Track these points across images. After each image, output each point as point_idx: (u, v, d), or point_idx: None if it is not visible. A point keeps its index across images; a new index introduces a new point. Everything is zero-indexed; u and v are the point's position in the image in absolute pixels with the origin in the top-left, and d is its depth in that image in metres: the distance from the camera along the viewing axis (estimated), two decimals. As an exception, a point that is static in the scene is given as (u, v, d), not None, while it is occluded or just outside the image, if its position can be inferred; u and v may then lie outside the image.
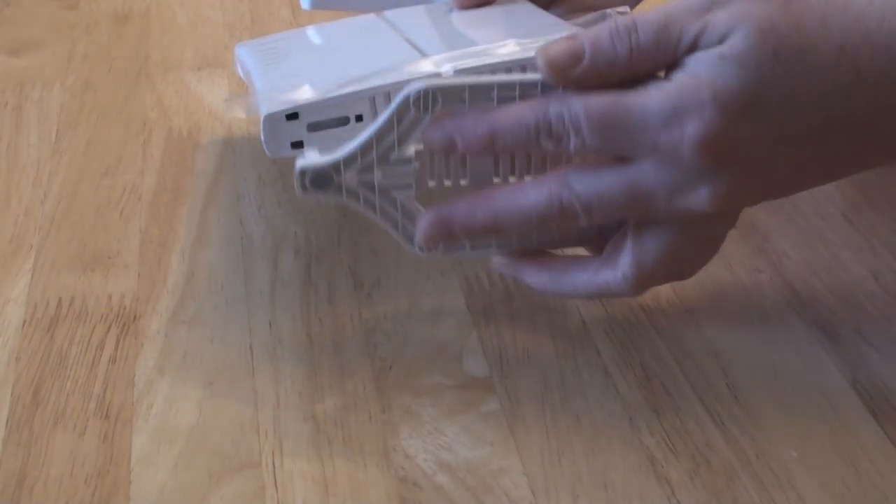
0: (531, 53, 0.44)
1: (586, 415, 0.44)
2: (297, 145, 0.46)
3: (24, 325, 0.49)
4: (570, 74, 0.41)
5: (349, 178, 0.43)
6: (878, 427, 0.43)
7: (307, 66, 0.51)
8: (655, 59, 0.40)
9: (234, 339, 0.48)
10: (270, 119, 0.45)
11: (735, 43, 0.39)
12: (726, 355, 0.47)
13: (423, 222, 0.44)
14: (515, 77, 0.42)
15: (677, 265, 0.45)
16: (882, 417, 0.43)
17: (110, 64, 0.69)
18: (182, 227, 0.55)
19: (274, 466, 0.41)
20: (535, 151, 0.44)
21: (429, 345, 0.48)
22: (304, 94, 0.46)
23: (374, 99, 0.46)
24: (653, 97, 0.40)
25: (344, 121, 0.46)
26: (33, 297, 0.50)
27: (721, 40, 0.39)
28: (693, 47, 0.40)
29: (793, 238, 0.54)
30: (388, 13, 0.55)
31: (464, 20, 0.53)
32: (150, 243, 0.54)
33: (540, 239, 0.46)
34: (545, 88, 0.42)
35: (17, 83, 0.67)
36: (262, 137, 0.45)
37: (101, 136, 0.62)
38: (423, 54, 0.48)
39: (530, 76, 0.42)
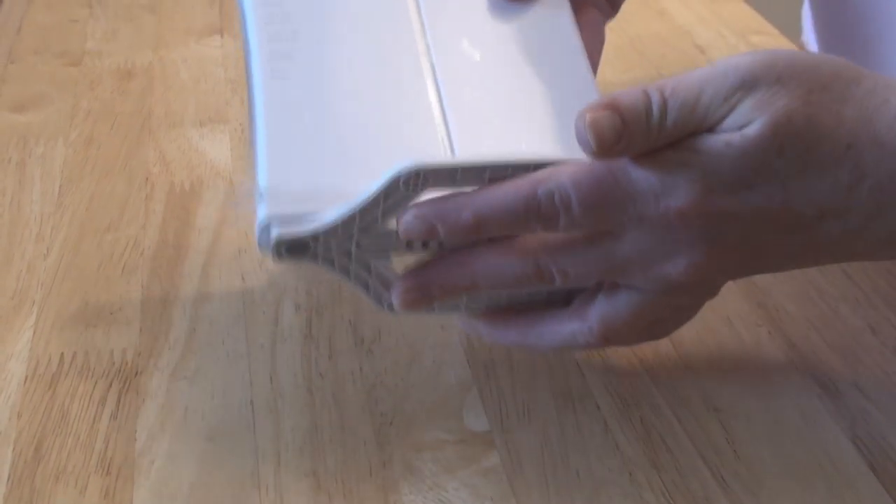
0: (556, 156, 0.43)
1: (586, 470, 0.44)
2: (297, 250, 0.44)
3: (25, 380, 0.49)
4: (612, 152, 0.41)
5: (326, 246, 0.43)
6: (879, 483, 0.43)
7: (317, 128, 0.48)
8: (677, 137, 0.41)
9: (235, 395, 0.48)
10: (278, 240, 0.43)
11: (746, 133, 0.39)
12: (726, 410, 0.47)
13: (401, 287, 0.44)
14: (510, 159, 0.42)
15: (647, 327, 0.45)
16: (882, 474, 0.43)
17: (113, 119, 0.70)
18: (184, 282, 0.55)
19: (275, 522, 0.41)
20: (521, 232, 0.43)
21: (429, 400, 0.48)
22: (318, 219, 0.43)
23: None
24: (645, 169, 0.41)
25: None
26: (35, 352, 0.50)
27: (740, 128, 0.40)
28: (711, 129, 0.40)
29: (792, 293, 0.54)
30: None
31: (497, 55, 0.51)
32: (151, 298, 0.54)
33: (510, 297, 0.46)
34: (538, 167, 0.41)
35: (21, 139, 0.67)
36: (257, 240, 0.44)
37: (103, 191, 0.62)
38: (450, 145, 0.47)
39: (526, 158, 0.42)
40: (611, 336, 0.44)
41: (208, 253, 0.57)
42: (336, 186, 0.45)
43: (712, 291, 0.45)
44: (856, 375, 0.49)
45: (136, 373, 0.49)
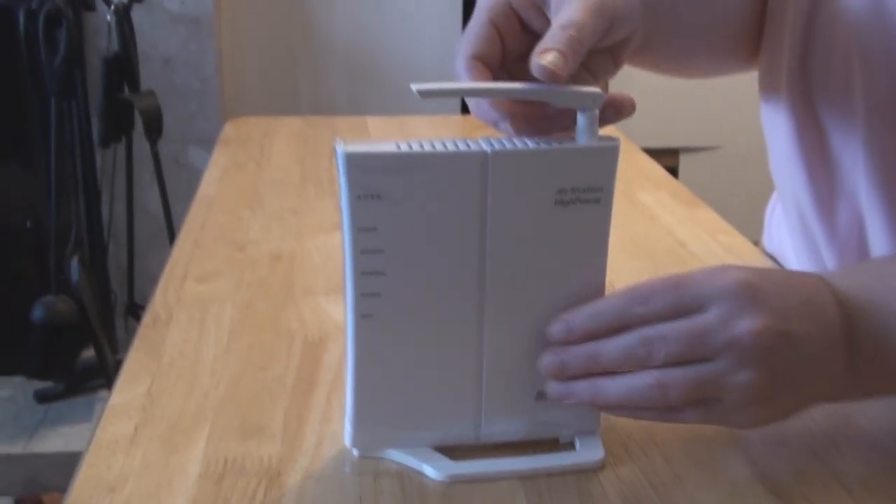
0: None
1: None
2: None
3: (199, 477, 0.49)
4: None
5: None
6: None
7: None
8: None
9: (348, 490, 0.48)
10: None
11: None
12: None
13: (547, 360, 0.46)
14: None
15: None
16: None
17: (266, 290, 0.71)
18: (314, 408, 0.55)
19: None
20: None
21: None
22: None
23: None
24: (710, 311, 0.43)
25: None
26: (207, 456, 0.50)
27: None
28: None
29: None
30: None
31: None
32: (291, 420, 0.54)
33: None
34: None
35: (202, 302, 0.68)
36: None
37: (258, 341, 0.63)
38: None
39: None
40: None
41: (331, 387, 0.57)
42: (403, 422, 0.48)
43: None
44: None
45: (279, 473, 0.49)
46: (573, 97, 0.46)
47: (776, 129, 0.63)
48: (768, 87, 0.63)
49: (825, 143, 0.58)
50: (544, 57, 0.44)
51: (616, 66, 0.51)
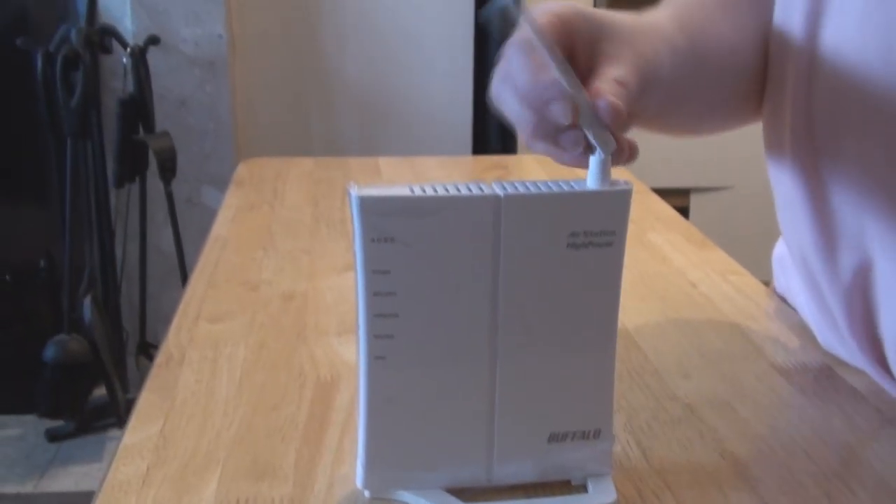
0: None
1: None
2: None
3: (212, 519, 0.49)
4: None
5: None
6: None
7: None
8: None
9: (360, 534, 0.48)
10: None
11: None
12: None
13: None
14: None
15: None
16: None
17: (279, 330, 0.71)
18: (326, 449, 0.55)
19: None
20: None
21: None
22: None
23: None
24: None
25: None
26: (219, 497, 0.50)
27: None
28: None
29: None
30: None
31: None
32: (302, 460, 0.54)
33: None
34: None
35: (215, 342, 0.69)
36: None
37: (271, 381, 0.63)
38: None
39: None
40: None
41: (343, 428, 0.57)
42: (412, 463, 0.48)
43: None
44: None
45: (290, 515, 0.49)
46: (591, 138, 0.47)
47: (781, 181, 0.63)
48: (773, 144, 0.63)
49: (830, 189, 0.59)
50: (608, 98, 0.46)
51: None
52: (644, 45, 0.53)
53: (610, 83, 0.48)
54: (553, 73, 0.46)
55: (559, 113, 0.46)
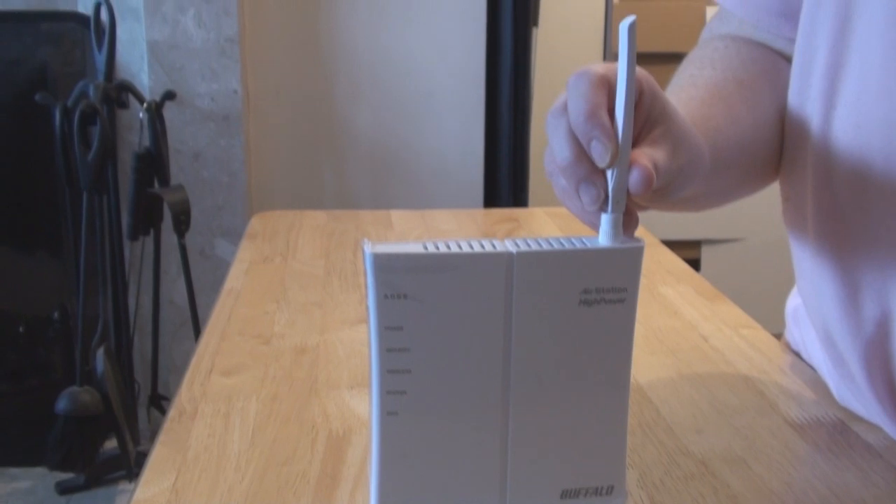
0: None
1: None
2: None
3: (223, 575, 0.48)
4: None
5: None
6: None
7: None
8: None
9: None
10: None
11: None
12: None
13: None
14: None
15: None
16: None
17: (291, 383, 0.71)
18: (337, 505, 0.55)
19: None
20: None
21: None
22: None
23: None
24: None
25: None
26: (231, 554, 0.50)
27: None
28: None
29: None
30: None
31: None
32: (314, 516, 0.54)
33: None
34: None
35: (227, 396, 0.69)
36: None
37: (283, 435, 0.63)
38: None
39: None
40: None
41: (355, 483, 0.57)
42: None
43: None
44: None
45: (302, 572, 0.49)
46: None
47: (802, 239, 0.64)
48: (795, 222, 0.64)
49: (854, 252, 0.59)
50: (647, 169, 0.46)
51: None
52: (694, 140, 0.52)
53: (651, 160, 0.47)
54: (617, 110, 0.46)
55: (599, 151, 0.45)
